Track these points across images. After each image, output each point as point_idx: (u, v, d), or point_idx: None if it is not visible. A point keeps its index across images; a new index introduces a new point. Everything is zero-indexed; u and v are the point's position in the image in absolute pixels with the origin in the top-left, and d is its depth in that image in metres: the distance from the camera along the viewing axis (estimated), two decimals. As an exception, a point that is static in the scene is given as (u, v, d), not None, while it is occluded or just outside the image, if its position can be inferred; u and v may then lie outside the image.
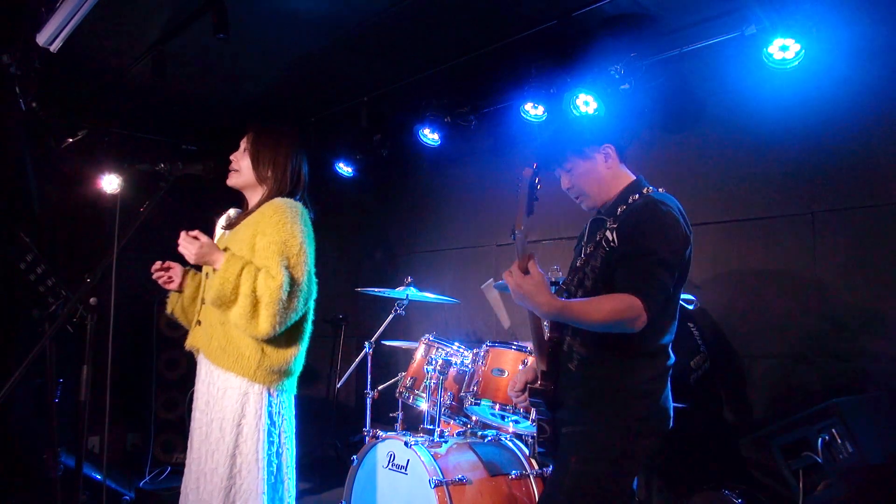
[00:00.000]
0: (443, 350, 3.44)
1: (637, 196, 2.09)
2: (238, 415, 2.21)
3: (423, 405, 3.36)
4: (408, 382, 3.51)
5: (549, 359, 2.09)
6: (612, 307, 1.86)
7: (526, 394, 2.18)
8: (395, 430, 3.35)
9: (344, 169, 5.02)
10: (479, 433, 3.33)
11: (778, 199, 3.22)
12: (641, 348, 1.98)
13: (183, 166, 2.34)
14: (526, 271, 1.83)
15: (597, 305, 1.89)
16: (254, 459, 2.21)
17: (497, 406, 3.07)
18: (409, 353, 3.79)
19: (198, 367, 2.38)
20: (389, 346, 3.98)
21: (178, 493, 2.34)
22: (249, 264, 2.19)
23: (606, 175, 2.15)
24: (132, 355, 4.73)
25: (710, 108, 3.48)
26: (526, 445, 3.26)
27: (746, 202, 3.32)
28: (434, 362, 3.27)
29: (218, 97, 4.58)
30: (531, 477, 3.09)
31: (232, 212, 2.57)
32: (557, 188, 2.27)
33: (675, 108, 3.57)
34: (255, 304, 2.15)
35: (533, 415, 2.88)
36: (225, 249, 2.29)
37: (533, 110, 3.79)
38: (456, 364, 3.37)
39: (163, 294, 2.51)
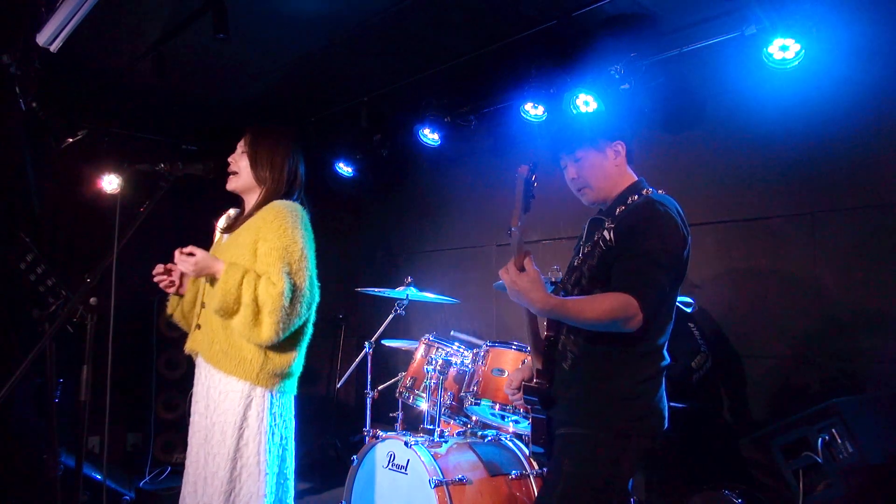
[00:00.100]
0: (443, 350, 3.44)
1: (636, 197, 2.09)
2: (240, 418, 2.21)
3: (423, 405, 3.37)
4: (408, 382, 3.51)
5: (545, 357, 2.09)
6: (608, 306, 1.87)
7: (521, 392, 2.18)
8: (395, 430, 3.35)
9: (344, 169, 5.02)
10: (479, 433, 3.33)
11: (778, 199, 3.22)
12: (636, 348, 1.98)
13: (183, 166, 2.33)
14: (522, 268, 1.83)
15: (592, 304, 1.89)
16: (255, 462, 2.21)
17: (497, 406, 3.08)
18: (409, 353, 3.79)
19: (196, 370, 2.38)
20: (389, 346, 3.98)
21: (178, 494, 2.34)
22: (249, 272, 2.19)
23: (613, 172, 2.15)
24: (132, 355, 4.73)
25: (710, 108, 3.48)
26: (526, 445, 3.26)
27: (746, 202, 3.32)
28: (434, 362, 3.27)
29: (218, 97, 4.58)
30: (531, 477, 3.09)
31: (232, 212, 2.57)
32: (558, 188, 2.27)
33: (675, 108, 3.57)
34: (256, 313, 2.16)
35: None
36: (228, 249, 2.29)
37: (533, 110, 3.79)
38: (456, 364, 3.37)
39: (163, 294, 2.51)
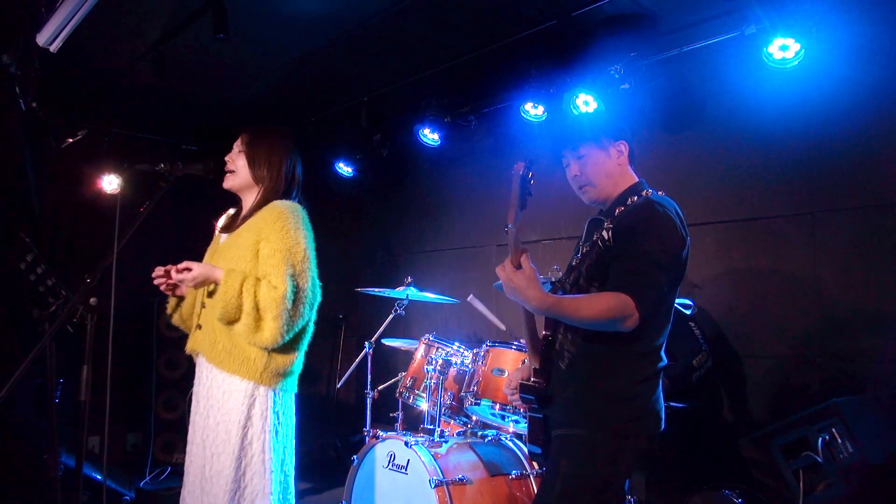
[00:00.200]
0: (443, 350, 3.44)
1: (636, 198, 2.09)
2: (244, 417, 2.22)
3: (423, 405, 3.36)
4: (408, 382, 3.51)
5: (542, 357, 2.09)
6: (605, 304, 1.86)
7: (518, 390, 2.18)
8: (396, 430, 3.35)
9: (344, 169, 5.02)
10: (480, 433, 3.33)
11: (778, 199, 3.22)
12: (633, 347, 1.97)
13: (183, 166, 2.34)
14: (518, 266, 1.83)
15: (589, 302, 1.89)
16: (260, 461, 2.22)
17: (497, 406, 3.08)
18: (409, 353, 3.79)
19: (197, 370, 2.38)
20: (389, 346, 3.97)
21: (179, 494, 2.34)
22: (248, 278, 2.19)
23: (615, 171, 2.15)
24: (132, 355, 4.73)
25: (710, 108, 3.48)
26: (526, 445, 3.26)
27: (746, 202, 3.32)
28: (434, 362, 3.27)
29: (218, 97, 4.58)
30: (531, 477, 3.09)
31: (232, 212, 2.57)
32: (558, 189, 2.27)
33: (675, 108, 3.57)
34: (258, 319, 2.17)
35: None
36: (229, 249, 2.29)
37: (533, 110, 3.79)
38: (456, 364, 3.37)
39: (163, 295, 2.51)
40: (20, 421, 3.09)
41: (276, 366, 2.26)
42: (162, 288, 2.44)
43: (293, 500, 2.37)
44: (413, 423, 3.62)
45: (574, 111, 3.53)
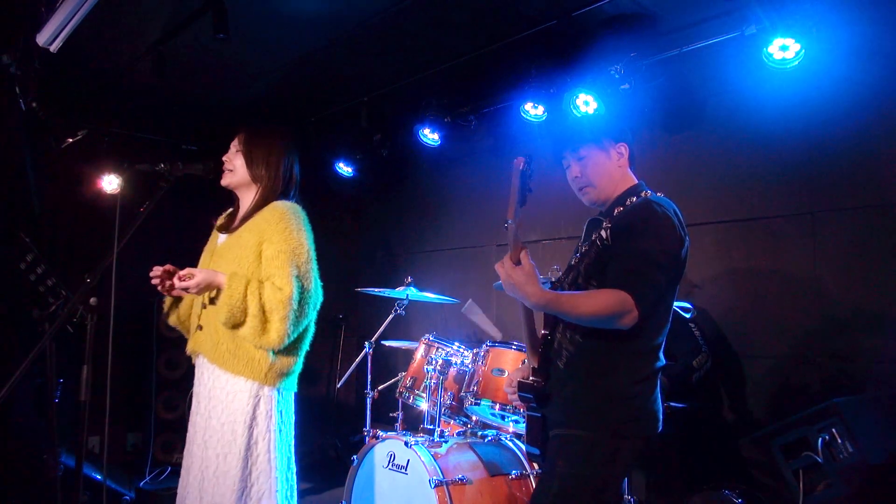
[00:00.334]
0: (443, 350, 3.44)
1: (635, 199, 2.10)
2: (249, 417, 2.23)
3: (423, 405, 3.37)
4: (408, 382, 3.51)
5: (541, 355, 2.09)
6: (603, 301, 1.87)
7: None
8: (395, 430, 3.35)
9: (344, 169, 5.02)
10: (479, 433, 3.33)
11: (778, 199, 3.22)
12: (631, 347, 1.97)
13: (183, 166, 2.34)
14: (518, 262, 1.83)
15: (587, 299, 1.89)
16: (266, 460, 2.23)
17: (497, 406, 3.08)
18: (409, 353, 3.79)
19: (197, 370, 2.38)
20: (389, 346, 3.97)
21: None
22: (251, 282, 2.20)
23: (615, 172, 2.16)
24: (132, 355, 4.73)
25: (710, 108, 3.48)
26: (525, 445, 3.26)
27: (746, 202, 3.32)
28: (434, 362, 3.27)
29: (218, 97, 4.58)
30: (531, 477, 3.09)
31: (230, 211, 2.57)
32: (558, 189, 2.27)
33: (675, 108, 3.57)
34: (264, 321, 2.18)
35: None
36: (230, 249, 2.29)
37: (533, 110, 3.79)
38: (456, 364, 3.37)
39: (162, 295, 2.51)
40: (20, 421, 3.09)
41: (280, 366, 2.27)
42: (159, 288, 2.44)
43: (296, 499, 2.37)
44: (413, 423, 3.62)
45: (574, 111, 3.52)
